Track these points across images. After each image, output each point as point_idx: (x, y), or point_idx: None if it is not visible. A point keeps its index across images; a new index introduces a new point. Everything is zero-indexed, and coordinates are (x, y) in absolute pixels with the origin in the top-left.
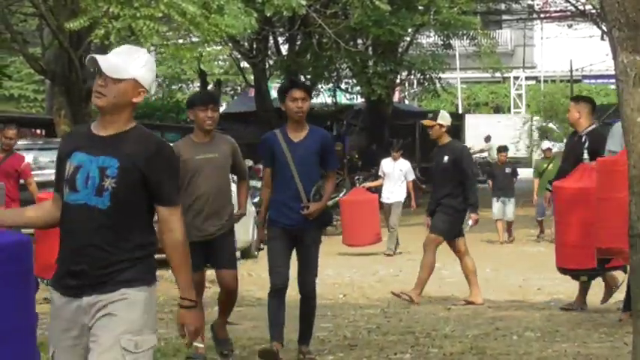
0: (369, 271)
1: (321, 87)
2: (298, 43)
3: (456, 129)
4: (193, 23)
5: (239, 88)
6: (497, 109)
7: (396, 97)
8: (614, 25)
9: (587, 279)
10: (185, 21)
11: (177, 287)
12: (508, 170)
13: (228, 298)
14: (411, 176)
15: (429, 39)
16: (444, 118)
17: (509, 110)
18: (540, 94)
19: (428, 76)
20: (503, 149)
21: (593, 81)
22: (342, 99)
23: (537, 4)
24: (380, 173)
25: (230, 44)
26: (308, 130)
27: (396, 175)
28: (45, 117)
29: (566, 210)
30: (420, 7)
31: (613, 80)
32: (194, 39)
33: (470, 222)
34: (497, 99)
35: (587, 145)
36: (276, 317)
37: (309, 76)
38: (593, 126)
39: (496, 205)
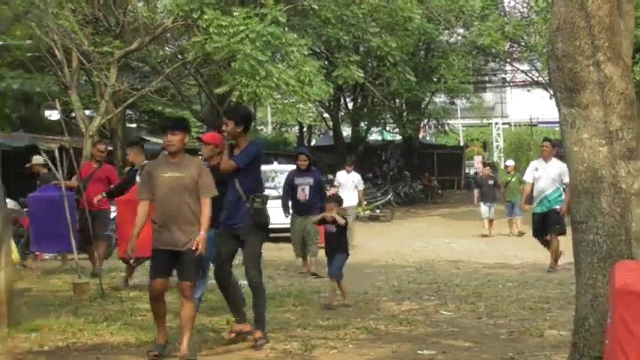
0: (407, 244)
1: (373, 129)
2: (359, 101)
3: (459, 157)
4: (293, 91)
5: (322, 130)
6: (484, 144)
7: (420, 135)
8: (558, 89)
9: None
10: (288, 89)
11: None
12: (491, 182)
13: None
14: (361, 186)
15: (440, 99)
16: None
17: (491, 144)
18: (511, 134)
19: (440, 122)
20: (486, 165)
21: (545, 125)
22: (387, 136)
23: (508, 77)
24: (335, 183)
25: (317, 103)
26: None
27: (349, 185)
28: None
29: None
30: (434, 79)
31: (557, 124)
32: (293, 100)
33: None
34: (484, 137)
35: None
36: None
37: (366, 122)
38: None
39: (484, 207)
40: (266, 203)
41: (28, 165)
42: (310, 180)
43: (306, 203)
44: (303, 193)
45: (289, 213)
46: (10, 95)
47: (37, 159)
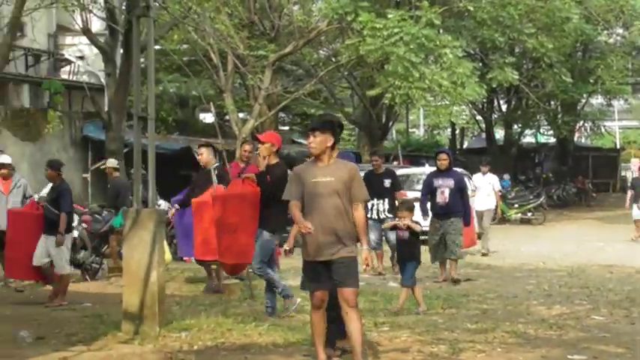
0: (558, 247)
1: (527, 131)
2: (513, 103)
3: (615, 159)
4: (446, 92)
5: (475, 132)
6: None
7: (575, 137)
8: None
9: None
10: (441, 91)
11: None
12: None
13: None
14: (497, 187)
15: (597, 100)
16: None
17: None
18: None
19: (596, 124)
20: None
21: None
22: (541, 139)
23: None
24: (472, 187)
25: (470, 105)
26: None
27: (486, 187)
28: (355, 151)
29: (202, 215)
30: (591, 80)
31: None
32: (446, 102)
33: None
34: None
35: (217, 173)
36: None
37: (519, 125)
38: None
39: (635, 210)
40: None
41: (103, 167)
42: (450, 182)
43: (446, 206)
44: (443, 195)
45: (428, 216)
46: (167, 99)
47: (112, 162)
